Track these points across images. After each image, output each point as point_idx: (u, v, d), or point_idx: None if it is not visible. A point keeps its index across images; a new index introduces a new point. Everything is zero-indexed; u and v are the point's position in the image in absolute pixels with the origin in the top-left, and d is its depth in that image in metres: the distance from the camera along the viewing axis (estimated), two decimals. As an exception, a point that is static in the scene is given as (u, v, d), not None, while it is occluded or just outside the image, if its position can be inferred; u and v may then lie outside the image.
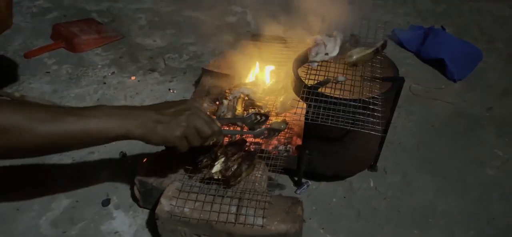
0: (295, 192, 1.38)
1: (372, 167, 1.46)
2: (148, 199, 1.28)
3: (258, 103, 1.47)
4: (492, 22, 2.52)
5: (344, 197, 1.37)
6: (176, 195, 1.14)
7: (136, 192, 1.29)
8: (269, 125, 1.36)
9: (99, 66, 2.00)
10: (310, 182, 1.41)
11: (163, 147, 1.43)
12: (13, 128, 0.76)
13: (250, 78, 1.62)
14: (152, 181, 1.24)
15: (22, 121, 0.77)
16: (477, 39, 2.30)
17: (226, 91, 1.56)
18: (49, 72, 1.94)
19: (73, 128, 0.83)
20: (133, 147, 1.53)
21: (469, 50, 2.06)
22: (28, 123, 0.77)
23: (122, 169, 1.45)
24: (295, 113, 1.14)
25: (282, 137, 1.39)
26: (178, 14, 2.53)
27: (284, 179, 1.41)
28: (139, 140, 0.91)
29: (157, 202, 1.15)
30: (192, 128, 0.97)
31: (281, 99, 1.50)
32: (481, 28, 2.45)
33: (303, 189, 1.39)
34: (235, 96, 1.50)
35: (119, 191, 1.37)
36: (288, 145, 1.37)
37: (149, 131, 0.90)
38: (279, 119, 1.43)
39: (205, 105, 1.57)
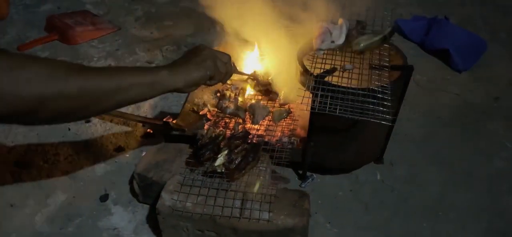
0: (299, 185, 1.34)
1: (379, 160, 1.42)
2: (148, 194, 1.23)
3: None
4: (495, 12, 2.48)
5: (350, 191, 1.33)
6: (177, 189, 1.09)
7: (136, 187, 1.25)
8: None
9: (95, 59, 1.95)
10: (315, 175, 1.36)
11: (163, 142, 1.39)
12: (71, 91, 0.69)
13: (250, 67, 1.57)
14: (152, 175, 1.19)
15: (79, 81, 0.70)
16: (481, 29, 2.26)
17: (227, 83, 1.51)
18: (43, 65, 1.88)
19: (141, 81, 0.81)
20: (132, 141, 1.48)
21: (474, 41, 2.02)
22: (84, 83, 0.71)
23: (120, 163, 1.40)
24: (301, 103, 1.09)
25: (286, 129, 1.35)
26: (175, 5, 2.47)
27: (288, 172, 1.37)
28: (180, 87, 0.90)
29: (157, 196, 1.10)
30: (219, 65, 0.98)
31: (284, 90, 1.45)
32: (485, 18, 2.41)
33: (308, 182, 1.34)
34: (237, 88, 1.45)
35: (118, 186, 1.32)
36: (293, 138, 1.33)
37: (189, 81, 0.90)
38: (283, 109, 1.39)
39: (205, 97, 1.52)
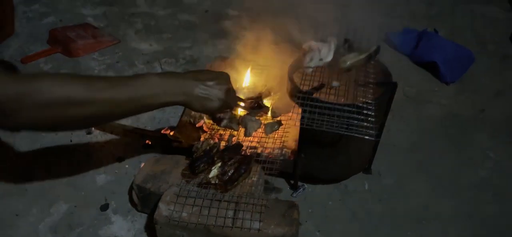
0: (291, 195, 1.40)
1: (367, 170, 1.49)
2: (146, 204, 1.29)
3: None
4: (484, 25, 2.55)
5: (340, 200, 1.40)
6: (174, 200, 1.15)
7: (134, 197, 1.31)
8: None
9: (96, 71, 2.02)
10: (306, 185, 1.43)
11: (161, 153, 1.45)
12: (75, 97, 0.80)
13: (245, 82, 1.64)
14: (150, 186, 1.25)
15: (84, 91, 0.81)
16: (470, 42, 2.33)
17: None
18: (46, 77, 1.95)
19: (129, 96, 0.88)
20: (131, 152, 1.55)
21: (461, 53, 2.09)
22: (89, 93, 0.81)
23: (120, 174, 1.46)
24: (290, 118, 1.16)
25: (278, 141, 1.42)
26: (174, 18, 2.55)
27: (281, 183, 1.43)
28: (182, 106, 1.01)
29: (155, 206, 1.17)
30: (226, 102, 1.05)
31: (274, 103, 1.53)
32: (473, 31, 2.48)
33: (299, 192, 1.41)
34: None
35: (117, 196, 1.38)
36: (284, 149, 1.39)
37: (193, 100, 0.99)
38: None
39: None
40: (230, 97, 1.07)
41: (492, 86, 1.99)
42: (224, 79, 1.05)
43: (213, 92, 1.00)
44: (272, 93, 1.55)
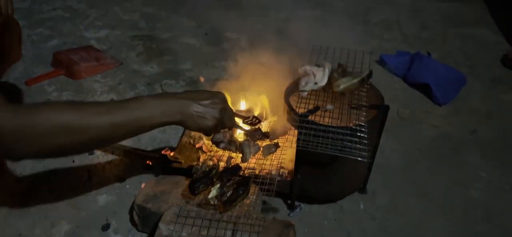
0: (288, 215, 1.44)
1: (362, 190, 1.53)
2: (146, 224, 1.33)
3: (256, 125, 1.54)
4: (475, 47, 2.63)
5: (335, 220, 1.43)
6: (173, 220, 1.19)
7: (135, 217, 1.34)
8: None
9: (98, 93, 2.07)
10: (302, 205, 1.46)
11: (161, 173, 1.49)
12: (73, 125, 0.83)
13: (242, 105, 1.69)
14: (151, 206, 1.29)
15: (82, 117, 0.84)
16: (461, 64, 2.40)
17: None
18: (49, 99, 2.00)
19: (125, 119, 0.91)
20: (132, 172, 1.59)
21: (453, 75, 2.15)
22: (86, 118, 0.85)
23: (121, 194, 1.50)
24: (287, 140, 1.21)
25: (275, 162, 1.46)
26: (175, 41, 2.62)
27: (278, 203, 1.47)
28: (178, 125, 1.02)
29: (155, 226, 1.20)
30: (221, 121, 1.09)
31: (271, 125, 1.58)
32: (465, 53, 2.56)
33: (296, 212, 1.44)
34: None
35: (118, 216, 1.42)
36: (281, 170, 1.44)
37: (188, 119, 1.01)
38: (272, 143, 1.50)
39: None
40: (226, 116, 1.10)
41: (483, 108, 2.05)
42: (219, 98, 1.08)
43: (208, 111, 1.03)
44: (268, 117, 1.60)
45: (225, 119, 1.09)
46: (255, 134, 1.50)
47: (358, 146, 1.17)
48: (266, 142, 1.52)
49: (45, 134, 0.80)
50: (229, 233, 1.15)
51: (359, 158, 1.14)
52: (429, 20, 2.99)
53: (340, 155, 1.17)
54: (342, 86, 1.30)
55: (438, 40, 2.71)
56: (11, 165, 1.57)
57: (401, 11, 3.11)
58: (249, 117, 1.44)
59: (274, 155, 1.48)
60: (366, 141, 1.17)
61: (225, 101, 1.10)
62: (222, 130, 1.48)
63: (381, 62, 2.35)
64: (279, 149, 1.50)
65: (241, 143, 1.45)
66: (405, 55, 2.35)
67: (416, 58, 2.25)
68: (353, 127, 1.19)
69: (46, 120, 0.80)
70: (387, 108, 1.31)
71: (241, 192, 1.22)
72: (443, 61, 2.35)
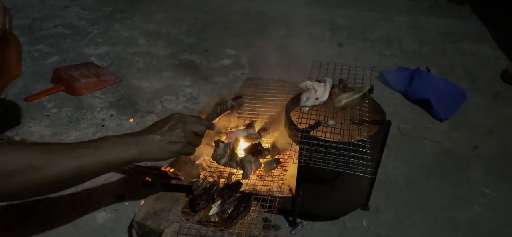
0: (290, 232, 1.41)
1: (364, 206, 1.51)
2: (146, 242, 1.30)
3: (255, 141, 1.53)
4: (475, 63, 2.64)
5: (338, 237, 1.41)
6: (174, 238, 1.16)
7: (134, 235, 1.31)
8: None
9: (98, 109, 2.06)
10: (304, 222, 1.44)
11: (161, 190, 1.47)
12: (39, 165, 0.83)
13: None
14: (150, 223, 1.26)
15: (47, 157, 0.85)
16: (461, 79, 2.41)
17: (223, 132, 1.63)
18: (49, 115, 1.99)
19: (92, 160, 0.93)
20: (131, 189, 1.57)
21: (454, 91, 2.16)
22: (52, 159, 0.86)
23: (120, 212, 1.48)
24: (288, 156, 1.19)
25: (276, 178, 1.44)
26: (175, 57, 2.63)
27: (280, 220, 1.45)
28: (150, 161, 1.06)
29: (155, 245, 1.18)
30: (190, 133, 1.11)
31: (272, 140, 1.56)
32: (465, 68, 2.57)
33: (298, 229, 1.42)
34: (231, 138, 1.56)
35: (117, 234, 1.39)
36: (283, 186, 1.42)
37: (156, 152, 1.05)
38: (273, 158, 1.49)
39: (201, 146, 1.61)
40: (191, 127, 1.11)
41: (484, 123, 2.05)
42: (174, 119, 1.10)
43: (171, 135, 1.06)
44: (269, 132, 1.59)
45: (191, 129, 1.11)
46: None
47: (361, 161, 1.16)
48: (268, 158, 1.51)
49: (10, 174, 0.80)
50: (230, 251, 1.12)
51: (362, 174, 1.13)
52: (428, 36, 3.01)
53: (342, 170, 1.15)
54: (343, 102, 1.30)
55: (438, 56, 2.72)
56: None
57: (400, 28, 3.14)
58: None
59: (275, 171, 1.47)
60: (368, 157, 1.16)
61: (181, 117, 1.12)
62: (222, 146, 1.48)
63: (381, 78, 2.35)
64: (280, 165, 1.48)
65: (242, 159, 1.44)
66: (404, 71, 2.36)
67: (416, 74, 2.25)
68: (356, 142, 1.18)
69: (11, 159, 0.81)
70: (389, 123, 1.30)
71: (242, 209, 1.20)
72: (443, 76, 2.35)
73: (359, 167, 1.15)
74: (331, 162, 1.16)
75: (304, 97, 1.34)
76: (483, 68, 2.57)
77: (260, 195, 1.32)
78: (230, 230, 1.18)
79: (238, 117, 1.67)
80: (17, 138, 1.79)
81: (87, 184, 1.59)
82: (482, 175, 1.70)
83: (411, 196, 1.58)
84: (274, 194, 1.34)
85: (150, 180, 1.61)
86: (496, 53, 2.78)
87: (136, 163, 1.62)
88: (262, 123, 1.65)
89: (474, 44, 2.89)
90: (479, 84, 2.40)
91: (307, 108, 1.33)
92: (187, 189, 1.38)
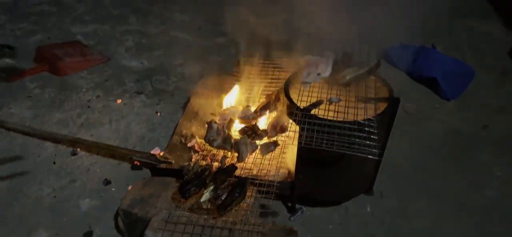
0: (289, 219, 1.31)
1: (368, 191, 1.41)
2: (133, 231, 1.20)
3: (253, 122, 1.42)
4: (481, 40, 2.52)
5: (340, 224, 1.31)
6: (162, 227, 1.06)
7: (120, 223, 1.22)
8: None
9: (84, 90, 1.94)
10: (304, 208, 1.34)
11: (150, 175, 1.37)
12: None
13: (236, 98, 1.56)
14: (137, 211, 1.16)
15: None
16: (467, 57, 2.29)
17: (216, 114, 1.51)
18: (30, 96, 1.87)
19: None
20: (119, 174, 1.46)
21: (461, 69, 2.04)
22: None
23: (105, 198, 1.37)
24: (287, 137, 1.09)
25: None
26: (167, 35, 2.49)
27: (277, 206, 1.35)
28: None
29: (142, 234, 1.08)
30: None
31: (271, 120, 1.45)
32: (471, 46, 2.45)
33: (297, 216, 1.32)
34: (225, 119, 1.44)
35: (102, 222, 1.29)
36: (281, 170, 1.31)
37: None
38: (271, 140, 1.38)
39: (193, 129, 1.51)
40: None
41: (493, 102, 1.94)
42: None
43: None
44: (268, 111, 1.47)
45: None
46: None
47: (367, 142, 1.05)
48: (265, 140, 1.39)
49: None
50: (223, 241, 1.02)
51: (369, 156, 1.02)
52: (433, 12, 2.87)
53: (347, 152, 1.04)
54: (348, 77, 1.19)
55: (444, 31, 2.59)
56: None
57: (404, 1, 2.99)
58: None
59: (273, 154, 1.35)
60: (375, 137, 1.05)
61: None
62: (216, 127, 1.36)
63: (384, 55, 2.22)
64: (279, 147, 1.37)
65: (237, 141, 1.33)
66: (408, 48, 2.23)
67: (421, 51, 2.13)
68: (362, 121, 1.07)
69: None
70: (397, 101, 1.19)
71: (237, 195, 1.09)
72: (449, 53, 2.23)
73: (366, 148, 1.04)
74: (335, 143, 1.05)
75: (305, 73, 1.22)
76: (491, 45, 2.45)
77: (257, 179, 1.21)
78: (224, 218, 1.08)
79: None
80: (-4, 120, 1.67)
81: (70, 168, 1.48)
82: (493, 156, 1.60)
83: (417, 180, 1.48)
84: (272, 179, 1.24)
85: (138, 163, 1.50)
86: (504, 30, 2.66)
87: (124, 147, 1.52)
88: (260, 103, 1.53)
89: (481, 20, 2.76)
90: (486, 61, 2.28)
91: (308, 85, 1.21)
92: (177, 173, 1.27)
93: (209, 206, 1.09)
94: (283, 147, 1.36)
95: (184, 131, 1.49)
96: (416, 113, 1.84)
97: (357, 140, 1.05)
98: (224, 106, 1.52)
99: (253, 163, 1.32)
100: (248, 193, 1.16)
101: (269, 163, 1.32)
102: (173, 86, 2.00)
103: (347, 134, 1.06)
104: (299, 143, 1.09)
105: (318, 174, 1.25)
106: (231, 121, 1.42)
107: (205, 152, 1.38)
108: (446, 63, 2.04)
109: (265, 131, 1.39)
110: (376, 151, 1.03)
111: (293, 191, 1.27)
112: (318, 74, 1.22)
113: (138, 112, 1.79)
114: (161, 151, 1.46)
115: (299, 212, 1.33)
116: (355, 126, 1.06)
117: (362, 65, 1.23)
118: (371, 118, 1.08)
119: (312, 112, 1.12)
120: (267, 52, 1.72)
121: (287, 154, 1.34)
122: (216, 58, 2.25)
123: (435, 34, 2.49)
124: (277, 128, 1.35)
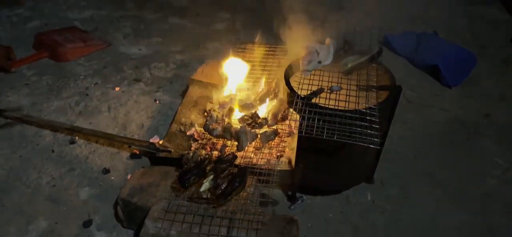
0: (289, 207, 1.31)
1: (369, 179, 1.40)
2: (132, 219, 1.19)
3: (253, 110, 1.40)
4: (484, 27, 2.49)
5: (341, 212, 1.31)
6: (162, 216, 1.06)
7: (120, 212, 1.21)
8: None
9: (82, 77, 1.91)
10: (305, 197, 1.33)
11: (149, 164, 1.36)
12: None
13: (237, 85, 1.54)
14: (137, 200, 1.16)
15: None
16: (470, 44, 2.26)
17: (215, 102, 1.50)
18: (28, 84, 1.85)
19: None
20: (118, 163, 1.45)
21: (463, 56, 2.02)
22: None
23: (105, 188, 1.36)
24: (287, 126, 1.07)
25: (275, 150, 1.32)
26: (165, 21, 2.46)
27: (278, 194, 1.34)
28: None
29: (142, 223, 1.07)
30: None
31: (271, 109, 1.43)
32: (473, 33, 2.42)
33: (298, 204, 1.31)
34: (225, 108, 1.43)
35: (102, 211, 1.28)
36: (281, 159, 1.30)
37: None
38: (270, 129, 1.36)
39: (193, 117, 1.49)
40: None
41: (495, 90, 1.92)
42: None
43: None
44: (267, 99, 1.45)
45: None
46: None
47: (368, 131, 1.04)
48: (265, 129, 1.38)
49: None
50: (224, 230, 1.02)
51: (371, 145, 1.01)
52: (434, -2, 2.83)
53: (349, 141, 1.03)
54: (349, 65, 1.17)
55: (446, 18, 2.56)
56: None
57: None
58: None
59: (273, 143, 1.34)
60: (377, 126, 1.04)
61: None
62: (215, 116, 1.35)
63: (385, 42, 2.20)
64: (279, 136, 1.36)
65: (237, 130, 1.31)
66: (410, 35, 2.21)
67: (423, 38, 2.11)
68: (363, 110, 1.05)
69: None
70: (399, 89, 1.17)
71: (237, 184, 1.09)
72: (451, 40, 2.21)
73: (368, 137, 1.02)
74: (336, 132, 1.04)
75: (305, 61, 1.20)
76: (493, 32, 2.43)
77: (257, 168, 1.20)
78: (224, 208, 1.07)
79: None
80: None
81: (69, 157, 1.47)
82: (495, 144, 1.59)
83: (418, 168, 1.47)
84: (272, 168, 1.23)
85: (137, 152, 1.49)
86: (505, 16, 2.63)
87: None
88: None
89: (483, 6, 2.73)
90: (488, 49, 2.26)
91: (309, 73, 1.19)
92: (177, 162, 1.26)
93: (209, 196, 1.08)
94: (283, 136, 1.35)
95: (183, 119, 1.48)
96: (417, 100, 1.83)
97: (359, 129, 1.03)
98: (224, 93, 1.50)
99: (253, 152, 1.31)
100: (248, 182, 1.15)
101: (269, 152, 1.31)
102: (172, 73, 1.98)
103: (348, 123, 1.04)
104: (300, 132, 1.07)
105: (319, 163, 1.24)
106: (231, 110, 1.41)
107: (204, 141, 1.37)
108: (448, 50, 2.02)
109: (265, 119, 1.38)
110: (378, 140, 1.02)
111: (294, 180, 1.26)
112: (319, 62, 1.20)
113: (137, 100, 1.77)
114: (160, 140, 1.44)
115: (300, 200, 1.32)
116: (357, 115, 1.05)
117: (363, 53, 1.21)
118: (372, 106, 1.06)
119: (313, 100, 1.10)
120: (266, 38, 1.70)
121: (287, 143, 1.33)
122: (215, 45, 2.22)
123: (437, 21, 2.45)
124: (278, 116, 1.34)
